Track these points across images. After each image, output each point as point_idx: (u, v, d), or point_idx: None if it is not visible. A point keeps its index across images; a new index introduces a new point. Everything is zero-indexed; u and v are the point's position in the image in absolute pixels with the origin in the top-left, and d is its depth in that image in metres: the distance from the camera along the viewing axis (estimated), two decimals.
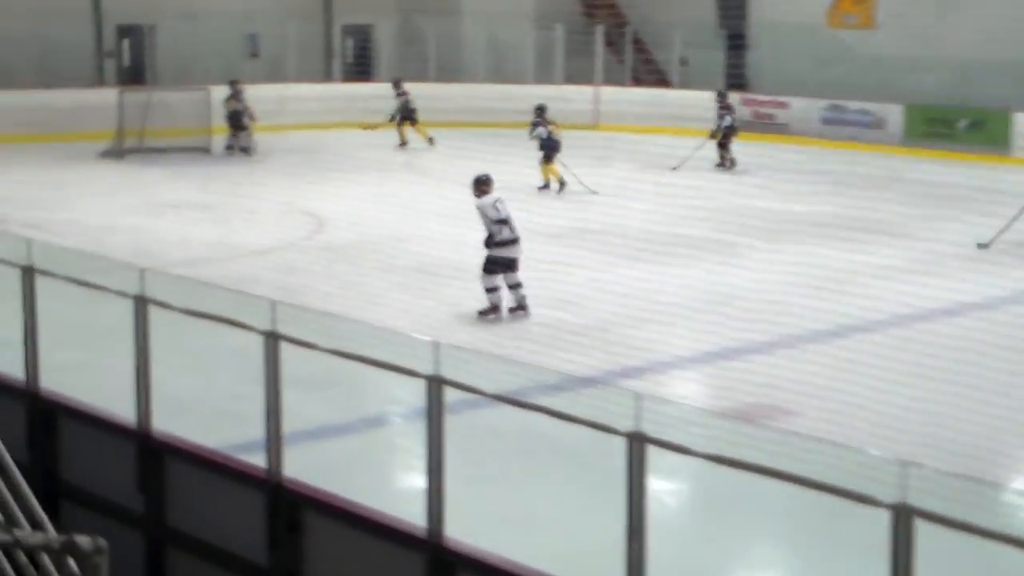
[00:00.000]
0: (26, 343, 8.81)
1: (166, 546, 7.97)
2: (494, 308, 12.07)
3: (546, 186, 19.88)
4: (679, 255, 13.22)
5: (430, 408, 6.52)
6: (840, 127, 26.81)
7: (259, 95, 25.59)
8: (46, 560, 5.70)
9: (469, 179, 12.57)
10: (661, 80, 30.31)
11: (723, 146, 22.76)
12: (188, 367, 9.83)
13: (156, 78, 27.66)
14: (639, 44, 31.38)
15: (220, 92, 24.74)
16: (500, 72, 29.57)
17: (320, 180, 20.36)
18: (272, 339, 7.25)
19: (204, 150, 24.28)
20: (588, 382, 7.94)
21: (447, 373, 6.51)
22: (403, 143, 25.47)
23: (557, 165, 19.97)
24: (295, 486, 7.29)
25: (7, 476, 6.47)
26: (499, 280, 12.11)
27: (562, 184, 19.81)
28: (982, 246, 14.99)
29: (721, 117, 23.07)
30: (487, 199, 12.32)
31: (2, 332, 9.37)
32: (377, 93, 27.20)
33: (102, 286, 8.54)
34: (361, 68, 30.65)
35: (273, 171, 22.09)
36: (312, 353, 7.26)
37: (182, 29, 28.52)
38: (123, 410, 8.28)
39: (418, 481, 7.00)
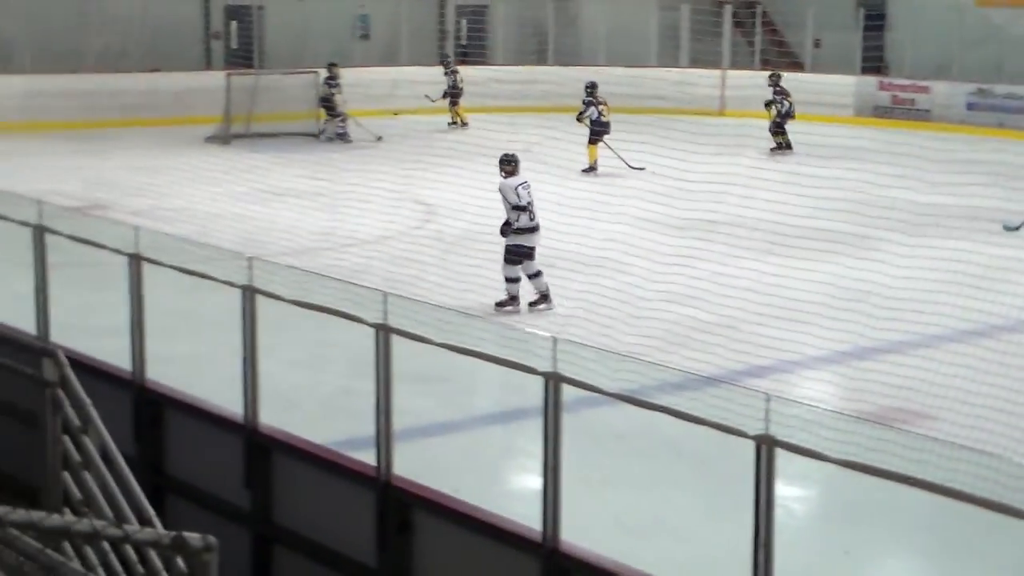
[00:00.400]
0: (133, 333, 9.03)
1: (273, 544, 8.11)
2: (512, 299, 12.15)
3: (592, 168, 20.70)
4: (812, 248, 13.06)
5: (547, 406, 6.55)
6: (987, 113, 26.26)
7: (370, 78, 25.86)
8: (153, 556, 5.83)
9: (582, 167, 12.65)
10: (793, 63, 29.99)
11: (779, 129, 23.33)
12: (296, 360, 9.99)
13: (264, 61, 28.11)
14: (769, 25, 31.07)
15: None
16: (621, 55, 29.49)
17: (432, 167, 20.52)
18: (384, 332, 7.34)
19: (312, 135, 24.62)
20: (713, 381, 7.89)
21: (564, 370, 6.54)
22: (463, 123, 26.11)
23: (598, 147, 20.88)
24: (405, 485, 7.37)
25: (115, 470, 6.63)
26: (520, 271, 12.18)
27: (592, 168, 20.74)
28: (1009, 229, 14.77)
29: (779, 102, 23.33)
30: (511, 181, 12.37)
31: (108, 321, 9.60)
32: (493, 76, 27.33)
33: (209, 275, 8.71)
34: (475, 51, 30.82)
35: (383, 157, 22.31)
36: (421, 347, 7.33)
37: (291, 10, 28.95)
38: (229, 403, 8.45)
39: (532, 482, 7.04)
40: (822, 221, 14.98)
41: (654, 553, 7.15)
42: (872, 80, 28.08)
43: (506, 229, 12.32)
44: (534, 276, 12.30)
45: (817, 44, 29.45)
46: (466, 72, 28.89)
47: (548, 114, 25.18)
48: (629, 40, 30.12)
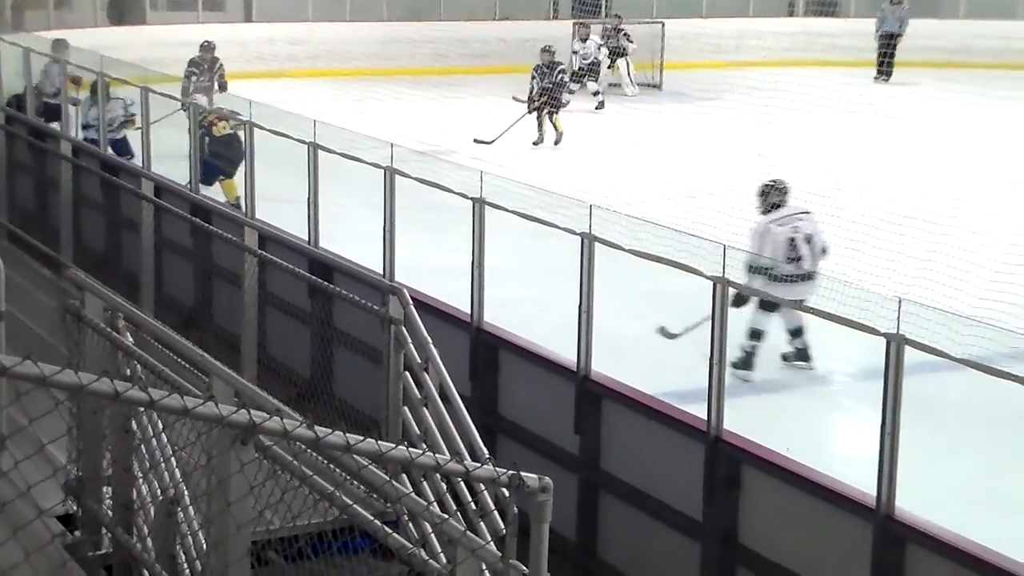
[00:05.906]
0: (473, 276, 9.27)
1: (599, 490, 8.22)
2: None
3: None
4: None
5: (888, 368, 6.38)
6: None
7: (717, 29, 25.64)
8: (485, 495, 5.98)
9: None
10: None
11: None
12: (629, 310, 10.03)
13: (611, 10, 28.19)
14: None
15: (673, 25, 24.92)
16: None
17: (775, 121, 20.18)
18: (721, 286, 7.29)
19: (655, 87, 24.61)
20: None
21: (908, 332, 6.34)
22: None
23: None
24: (736, 440, 7.32)
25: (452, 408, 6.84)
26: None
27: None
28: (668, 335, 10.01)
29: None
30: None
31: (450, 263, 9.89)
32: (844, 29, 26.54)
33: (549, 222, 8.83)
34: (826, 3, 29.95)
35: (727, 109, 22.06)
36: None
37: None
38: (562, 350, 8.58)
39: (863, 446, 6.87)
40: None
41: (998, 529, 6.86)
42: None
43: None
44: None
45: None
46: (817, 24, 28.02)
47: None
48: None
